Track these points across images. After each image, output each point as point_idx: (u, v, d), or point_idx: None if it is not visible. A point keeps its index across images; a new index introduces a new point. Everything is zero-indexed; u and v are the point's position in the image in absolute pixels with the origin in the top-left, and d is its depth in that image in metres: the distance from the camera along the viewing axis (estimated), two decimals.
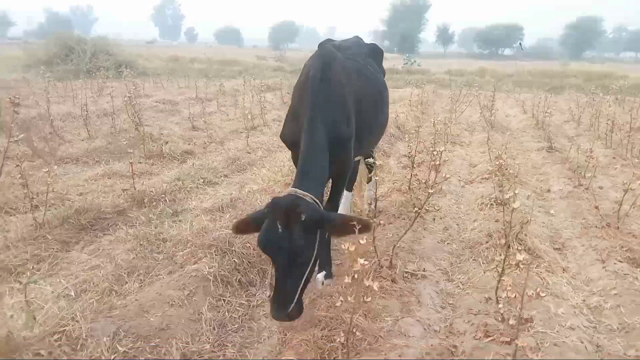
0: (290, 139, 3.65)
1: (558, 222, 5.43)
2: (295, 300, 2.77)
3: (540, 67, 28.65)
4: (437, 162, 4.00)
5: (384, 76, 5.31)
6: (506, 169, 5.34)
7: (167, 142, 7.65)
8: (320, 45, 4.48)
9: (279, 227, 2.71)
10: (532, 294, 2.32)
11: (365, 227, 2.73)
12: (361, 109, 3.78)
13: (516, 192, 3.32)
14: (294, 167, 3.63)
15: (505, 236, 4.21)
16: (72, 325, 2.67)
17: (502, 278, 2.76)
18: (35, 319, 2.70)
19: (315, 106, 3.28)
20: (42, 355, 2.43)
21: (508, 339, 3.01)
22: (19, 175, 4.39)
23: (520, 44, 66.89)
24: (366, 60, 4.61)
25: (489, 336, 3.06)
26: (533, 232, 4.80)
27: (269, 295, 2.85)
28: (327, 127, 3.29)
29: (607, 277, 3.97)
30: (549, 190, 6.64)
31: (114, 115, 9.12)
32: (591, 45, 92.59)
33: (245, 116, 9.49)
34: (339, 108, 3.52)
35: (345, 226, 2.77)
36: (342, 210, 4.57)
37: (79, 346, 2.57)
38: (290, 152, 3.95)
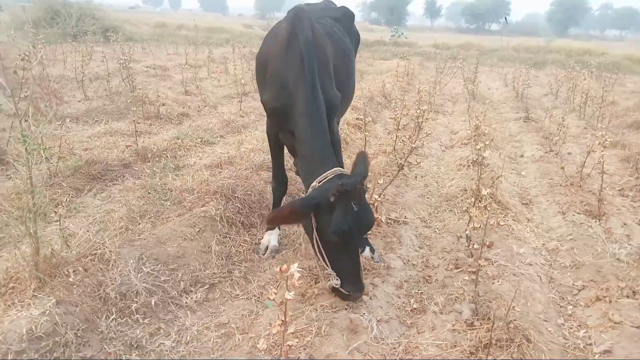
0: (273, 104, 3.48)
1: (528, 182, 5.95)
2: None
3: (525, 43, 29.06)
4: (420, 120, 4.43)
5: (359, 40, 5.27)
6: (483, 135, 5.85)
7: (163, 104, 7.95)
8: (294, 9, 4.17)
9: (354, 206, 2.74)
10: (494, 222, 2.80)
11: (365, 155, 3.14)
12: (334, 73, 3.65)
13: (486, 153, 3.76)
14: (266, 134, 3.87)
15: (477, 187, 4.74)
16: (103, 249, 3.10)
17: (471, 215, 3.22)
18: (68, 245, 3.11)
19: (313, 72, 3.17)
20: (80, 271, 2.85)
21: (474, 269, 3.53)
22: (29, 131, 4.73)
23: (505, 18, 67.02)
24: (334, 24, 4.46)
25: (459, 268, 3.58)
26: (504, 189, 5.32)
27: (338, 284, 2.90)
28: (322, 94, 3.23)
29: (565, 226, 4.50)
30: (522, 156, 7.16)
31: (108, 78, 9.34)
32: (576, 22, 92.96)
33: (237, 82, 9.77)
34: (327, 72, 3.47)
35: (367, 171, 3.07)
36: None
37: (109, 266, 3.00)
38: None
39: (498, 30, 78.29)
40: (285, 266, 1.97)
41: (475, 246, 2.81)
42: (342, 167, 3.08)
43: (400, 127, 5.47)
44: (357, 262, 2.89)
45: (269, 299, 2.02)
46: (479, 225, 2.83)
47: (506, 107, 11.02)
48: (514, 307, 2.62)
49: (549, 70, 19.08)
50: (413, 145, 4.04)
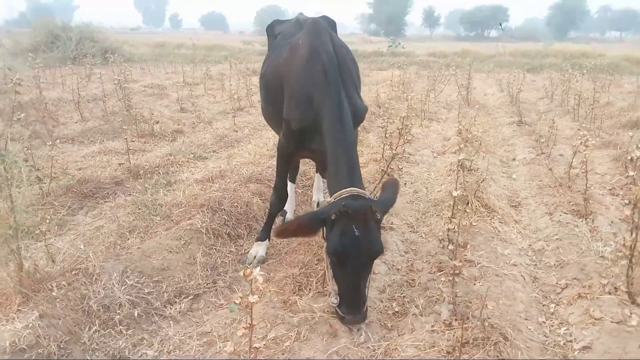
0: (300, 124, 3.35)
1: (518, 184, 5.98)
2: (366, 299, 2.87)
3: (522, 48, 29.20)
4: (401, 128, 4.49)
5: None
6: (470, 139, 5.90)
7: (157, 122, 8.07)
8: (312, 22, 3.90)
9: (356, 230, 2.68)
10: (467, 223, 2.84)
11: (397, 183, 3.10)
12: None
13: (461, 156, 3.79)
14: (279, 152, 3.71)
15: (463, 190, 4.77)
16: (87, 264, 3.17)
17: (452, 219, 3.26)
18: (53, 261, 3.18)
19: (338, 87, 3.15)
20: (64, 286, 2.91)
21: (457, 272, 3.56)
22: (23, 153, 4.85)
23: (500, 24, 67.34)
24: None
25: (441, 270, 3.61)
26: (493, 192, 5.35)
27: (336, 303, 2.85)
28: (348, 106, 3.22)
29: (552, 226, 4.52)
30: (514, 159, 7.20)
31: (104, 98, 9.49)
32: (576, 25, 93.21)
33: (232, 97, 9.91)
34: (352, 84, 3.45)
35: (394, 200, 3.02)
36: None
37: (93, 279, 3.06)
38: (274, 133, 3.89)
39: (497, 36, 78.72)
40: (249, 270, 2.01)
41: (450, 247, 2.84)
42: (361, 187, 2.97)
43: (387, 135, 5.52)
44: (356, 287, 2.79)
45: (234, 302, 2.06)
46: (452, 227, 2.87)
47: (501, 112, 11.08)
48: (487, 305, 2.65)
49: (546, 74, 19.15)
50: (394, 152, 4.09)
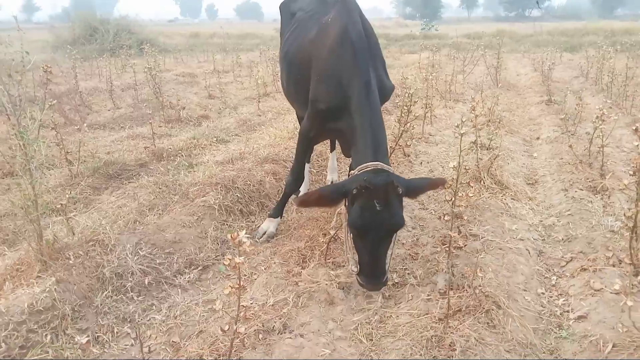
0: (328, 104, 3.34)
1: (538, 162, 5.90)
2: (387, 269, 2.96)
3: (561, 27, 28.17)
4: (409, 105, 4.52)
5: None
6: (493, 119, 5.86)
7: (184, 108, 8.32)
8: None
9: (377, 204, 2.72)
10: (464, 194, 2.88)
11: (442, 182, 3.02)
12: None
13: (491, 136, 3.79)
14: (301, 136, 3.71)
15: (477, 169, 4.77)
16: (103, 236, 3.38)
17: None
18: (74, 233, 3.42)
19: (367, 66, 3.20)
20: (81, 255, 3.13)
21: (461, 245, 3.60)
22: (55, 138, 5.14)
23: (537, 2, 64.76)
24: None
25: (445, 244, 3.65)
26: (510, 170, 5.33)
27: (356, 271, 2.99)
28: (376, 84, 3.26)
29: (565, 202, 4.47)
30: (538, 138, 7.06)
31: (136, 87, 9.83)
32: (622, 2, 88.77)
33: (257, 83, 10.07)
34: (381, 63, 3.51)
35: (424, 188, 3.06)
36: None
37: (108, 250, 3.27)
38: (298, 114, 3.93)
39: (539, 16, 75.91)
40: (235, 234, 2.14)
41: (446, 218, 2.89)
42: (386, 163, 2.98)
43: (403, 114, 5.55)
44: (375, 257, 2.86)
45: (223, 264, 2.19)
46: (450, 198, 2.91)
47: (531, 92, 10.81)
48: (478, 274, 2.69)
49: (584, 52, 18.45)
50: (402, 129, 4.13)
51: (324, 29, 3.55)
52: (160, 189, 4.86)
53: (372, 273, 2.90)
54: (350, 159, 3.37)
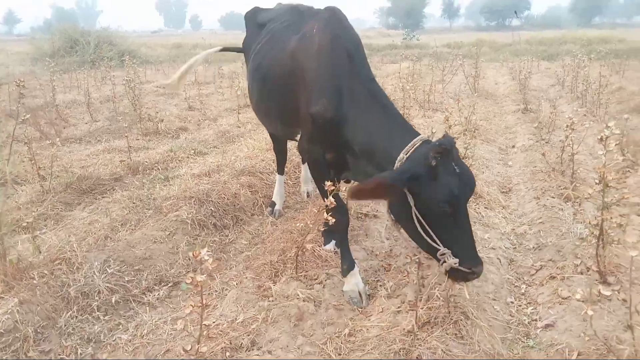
0: (332, 112, 3.03)
1: (512, 171, 5.96)
2: None
3: (539, 36, 28.69)
4: None
5: None
6: (469, 128, 5.90)
7: (162, 120, 8.27)
8: (255, 11, 4.57)
9: (455, 167, 2.48)
10: None
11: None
12: None
13: (467, 145, 3.82)
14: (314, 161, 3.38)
15: None
16: (70, 254, 3.33)
17: None
18: (40, 251, 3.36)
19: (366, 65, 3.16)
20: (46, 274, 3.08)
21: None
22: (28, 153, 5.07)
23: (515, 12, 65.99)
24: None
25: (416, 255, 3.65)
26: (484, 179, 5.38)
27: (457, 262, 2.52)
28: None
29: (537, 210, 4.52)
30: (513, 146, 7.15)
31: (114, 99, 9.76)
32: (600, 11, 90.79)
33: (237, 95, 10.06)
34: (369, 69, 3.33)
35: None
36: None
37: (75, 268, 3.22)
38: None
39: (519, 25, 77.16)
40: (197, 251, 2.12)
41: None
42: None
43: None
44: (471, 232, 2.58)
45: (185, 282, 2.17)
46: None
47: (508, 100, 10.97)
48: (446, 286, 2.70)
49: (562, 61, 18.80)
50: None
51: (307, 38, 3.30)
52: (134, 203, 4.81)
53: (474, 250, 2.57)
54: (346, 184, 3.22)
